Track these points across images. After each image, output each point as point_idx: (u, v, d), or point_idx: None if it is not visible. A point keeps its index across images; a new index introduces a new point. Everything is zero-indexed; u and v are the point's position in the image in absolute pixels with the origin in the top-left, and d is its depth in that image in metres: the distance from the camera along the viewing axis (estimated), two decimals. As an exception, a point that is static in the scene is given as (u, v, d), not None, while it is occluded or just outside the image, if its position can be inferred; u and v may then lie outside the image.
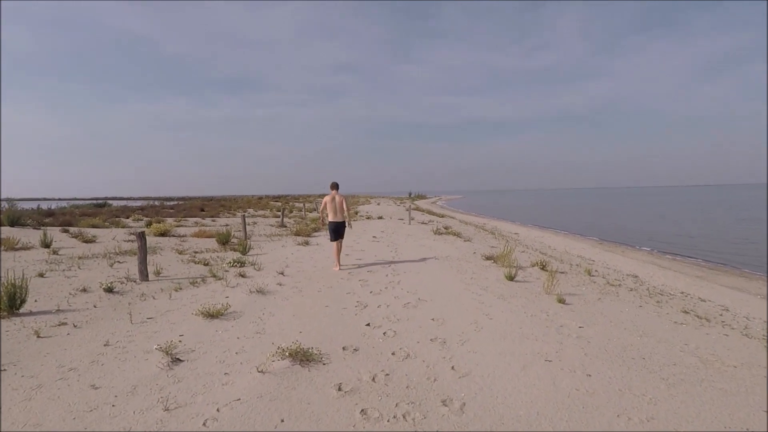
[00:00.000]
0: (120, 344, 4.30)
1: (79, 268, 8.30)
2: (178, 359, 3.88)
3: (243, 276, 7.65)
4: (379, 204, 47.82)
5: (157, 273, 7.79)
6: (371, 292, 6.38)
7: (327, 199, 8.51)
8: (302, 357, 3.76)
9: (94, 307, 5.72)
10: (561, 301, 5.83)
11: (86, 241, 12.16)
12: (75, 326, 4.89)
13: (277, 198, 68.52)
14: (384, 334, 4.50)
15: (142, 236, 7.47)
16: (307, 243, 12.14)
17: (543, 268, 8.30)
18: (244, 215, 13.88)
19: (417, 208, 35.88)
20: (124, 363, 3.85)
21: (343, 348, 4.11)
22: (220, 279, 7.39)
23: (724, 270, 11.90)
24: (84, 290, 6.52)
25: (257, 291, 6.34)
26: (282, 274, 7.77)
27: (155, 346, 4.06)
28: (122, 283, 7.10)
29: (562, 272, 8.40)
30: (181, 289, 6.79)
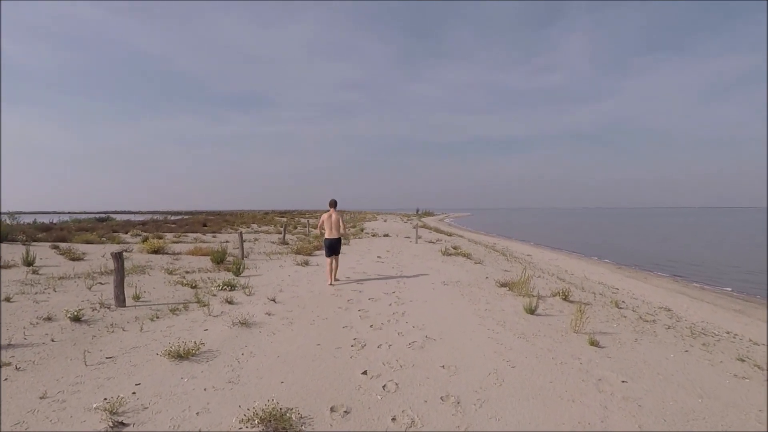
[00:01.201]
0: (60, 397, 3.51)
1: (54, 290, 7.58)
2: (122, 423, 3.07)
3: (230, 302, 6.86)
4: (385, 221, 47.08)
5: (137, 297, 7.03)
6: (371, 326, 5.55)
7: (324, 216, 8.88)
8: (277, 424, 2.94)
9: (52, 341, 4.95)
10: (593, 343, 4.96)
11: (73, 259, 11.47)
12: (17, 368, 4.12)
13: (283, 213, 68.06)
14: (383, 387, 3.66)
15: (118, 257, 6.73)
16: (306, 263, 11.35)
17: (565, 298, 7.43)
18: (240, 232, 13.15)
19: (424, 226, 35.06)
20: (54, 425, 3.05)
21: (332, 409, 3.28)
22: (204, 305, 6.61)
23: (760, 302, 10.87)
24: (48, 319, 5.77)
25: (241, 323, 5.54)
26: (273, 300, 6.97)
27: (95, 405, 3.26)
28: (94, 309, 6.35)
29: (586, 303, 7.52)
30: (158, 318, 6.02)
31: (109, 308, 6.47)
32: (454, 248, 15.49)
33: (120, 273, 6.70)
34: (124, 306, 6.64)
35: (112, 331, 5.36)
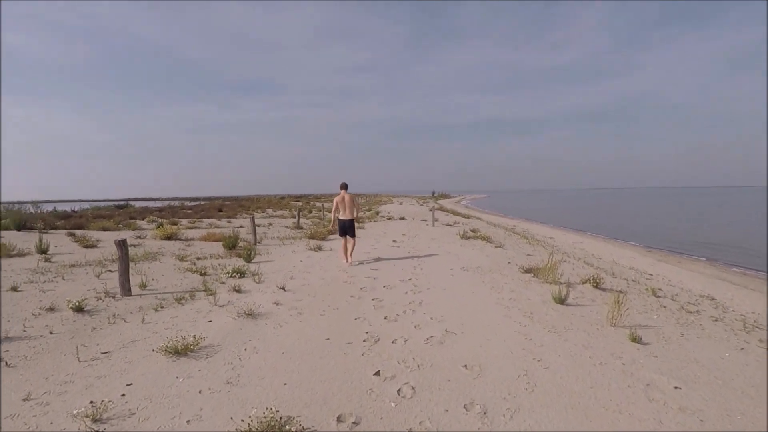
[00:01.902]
0: (44, 399, 3.20)
1: (63, 278, 7.38)
2: (103, 433, 2.74)
3: (238, 291, 6.53)
4: (401, 203, 46.54)
5: (143, 286, 6.76)
6: (386, 318, 5.13)
7: (337, 199, 9.04)
8: (275, 438, 2.55)
9: (51, 333, 4.69)
10: (635, 338, 4.43)
11: (87, 246, 11.35)
12: (8, 365, 3.84)
13: (298, 198, 68.13)
14: (398, 392, 3.23)
15: (122, 245, 6.44)
16: (319, 248, 10.99)
17: (596, 285, 6.86)
18: (253, 218, 12.84)
19: (441, 208, 34.45)
20: (30, 435, 2.73)
21: (338, 418, 2.88)
22: (211, 294, 6.30)
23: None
24: (51, 309, 5.54)
25: (246, 314, 5.19)
26: (283, 288, 6.61)
27: (75, 411, 2.93)
28: (99, 299, 6.10)
29: (620, 291, 6.96)
30: (162, 308, 5.72)
31: (114, 297, 6.21)
32: (473, 231, 14.94)
33: (125, 261, 6.42)
34: (130, 295, 6.38)
35: (113, 323, 5.08)
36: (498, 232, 16.81)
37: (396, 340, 4.37)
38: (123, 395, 3.23)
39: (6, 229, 14.23)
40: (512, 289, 6.63)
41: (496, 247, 11.47)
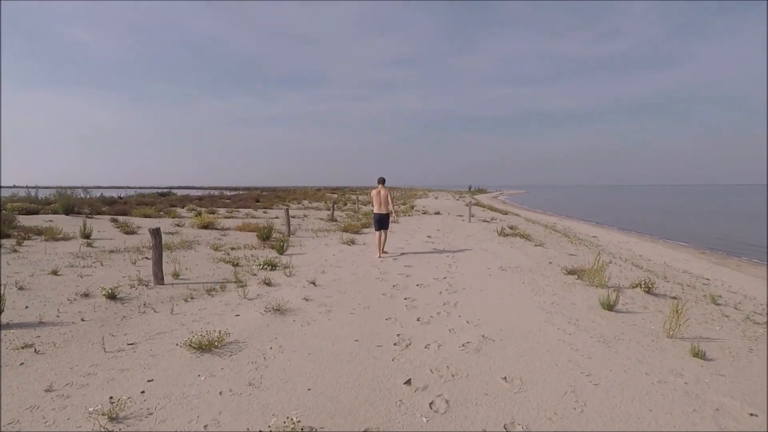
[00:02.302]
0: (66, 391, 3.12)
1: (101, 264, 7.54)
2: (117, 435, 2.60)
3: (268, 284, 6.42)
4: (437, 198, 45.97)
5: (176, 275, 6.77)
6: (418, 320, 4.84)
7: (373, 192, 9.30)
8: (294, 455, 2.33)
9: (82, 320, 4.70)
10: (697, 353, 3.95)
11: (127, 233, 11.68)
12: (36, 351, 3.83)
13: (334, 190, 68.61)
14: (430, 405, 2.95)
15: (156, 233, 6.45)
16: (352, 242, 10.81)
17: (648, 290, 6.31)
18: (287, 209, 12.83)
19: (477, 204, 33.70)
20: (47, 428, 2.64)
21: (364, 434, 2.63)
22: (242, 286, 6.22)
23: None
24: (85, 295, 5.60)
25: (275, 309, 5.03)
26: (313, 283, 6.44)
27: (91, 408, 2.81)
28: (132, 287, 6.14)
29: (674, 297, 6.38)
30: (192, 299, 5.67)
31: (146, 286, 6.24)
32: (511, 228, 14.38)
33: (158, 250, 6.43)
34: (163, 284, 6.39)
35: (143, 312, 5.05)
36: (537, 229, 16.14)
37: (429, 344, 4.08)
38: (143, 392, 3.10)
39: (55, 213, 14.89)
40: (555, 292, 6.18)
41: (536, 245, 10.92)
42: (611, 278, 7.03)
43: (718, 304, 6.20)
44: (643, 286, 6.30)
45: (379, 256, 8.88)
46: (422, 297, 5.79)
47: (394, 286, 6.40)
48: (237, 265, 7.98)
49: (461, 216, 20.01)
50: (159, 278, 6.42)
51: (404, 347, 4.01)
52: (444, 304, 5.45)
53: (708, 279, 8.75)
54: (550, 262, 8.50)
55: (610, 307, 5.27)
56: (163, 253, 8.99)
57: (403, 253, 9.41)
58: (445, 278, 6.93)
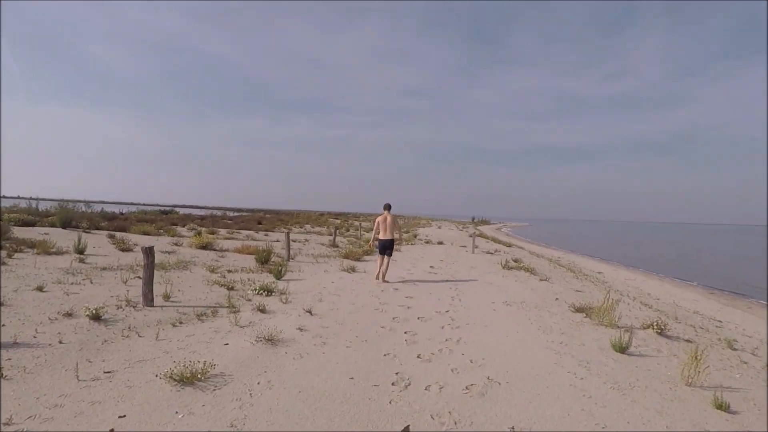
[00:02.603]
0: (25, 427, 2.81)
1: (91, 282, 7.26)
2: (73, 484, 2.29)
3: (262, 311, 6.12)
4: (440, 227, 45.75)
5: (166, 297, 6.48)
6: (419, 357, 4.52)
7: (380, 219, 9.39)
8: None
9: (60, 342, 4.40)
10: (720, 405, 3.62)
11: (123, 250, 11.42)
12: (3, 377, 3.53)
13: (338, 215, 68.51)
14: (431, 460, 2.63)
15: (149, 252, 6.20)
16: (353, 269, 10.51)
17: (660, 332, 5.98)
18: (288, 233, 12.60)
19: (481, 235, 33.40)
20: (-5, 475, 2.33)
21: (355, 493, 2.31)
22: (234, 311, 5.93)
23: None
24: (68, 314, 5.30)
25: (267, 339, 4.72)
26: (309, 312, 6.13)
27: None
28: (119, 307, 5.84)
29: (687, 339, 6.05)
30: (181, 323, 5.38)
31: (134, 307, 5.94)
32: (515, 261, 14.06)
33: (150, 269, 6.16)
34: (152, 305, 6.10)
35: (127, 336, 4.75)
36: (542, 263, 15.81)
37: (430, 386, 3.76)
38: (111, 430, 2.79)
39: (52, 225, 14.70)
40: (562, 330, 5.86)
41: (541, 280, 10.60)
42: (621, 317, 6.70)
43: (735, 349, 5.86)
44: (655, 327, 5.97)
45: (377, 278, 9.07)
46: (423, 331, 5.47)
47: (394, 318, 6.09)
48: (232, 288, 7.70)
49: (464, 247, 19.72)
50: (148, 299, 6.13)
51: (403, 387, 3.69)
52: (446, 340, 5.13)
53: (720, 321, 8.39)
54: (557, 299, 8.17)
55: (622, 349, 4.94)
56: (158, 272, 8.74)
57: (404, 282, 9.11)
58: (447, 312, 6.61)
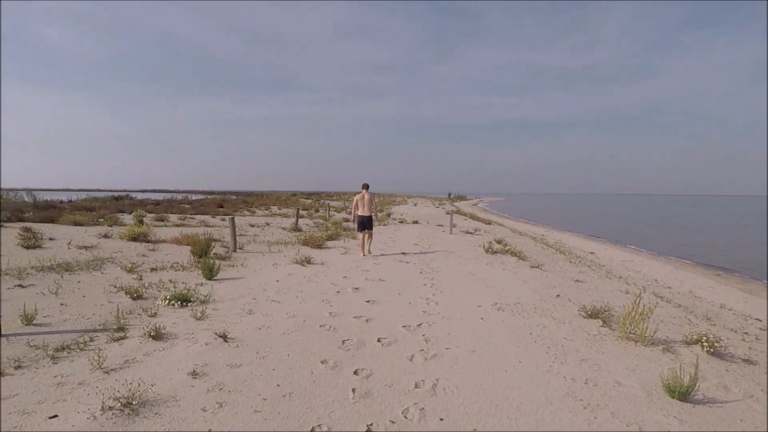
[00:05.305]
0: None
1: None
2: None
3: (155, 337, 4.25)
4: (416, 204, 44.06)
5: (28, 319, 4.55)
6: (368, 430, 2.76)
7: (358, 197, 9.88)
8: None
9: None
10: None
11: (29, 247, 9.26)
12: None
13: (309, 195, 66.01)
14: None
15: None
16: (308, 261, 8.67)
17: (712, 350, 4.35)
18: (233, 218, 10.62)
19: (458, 212, 31.89)
20: None
21: None
22: (115, 339, 4.08)
23: None
24: None
25: (126, 401, 2.88)
26: (224, 337, 4.29)
27: None
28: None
29: (746, 359, 4.48)
30: (19, 368, 3.50)
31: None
32: (499, 242, 12.47)
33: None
34: (-4, 336, 4.18)
35: None
36: (527, 243, 14.28)
37: None
38: None
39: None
40: (582, 354, 4.18)
41: (532, 267, 9.00)
42: (651, 325, 5.06)
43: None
44: (704, 343, 4.34)
45: (364, 255, 9.65)
46: (383, 367, 3.70)
47: (344, 341, 4.29)
48: (140, 297, 5.81)
49: (441, 226, 18.05)
50: (-11, 327, 4.21)
51: None
52: (415, 386, 3.35)
53: (760, 320, 6.88)
54: (558, 295, 6.54)
55: (683, 394, 3.27)
56: (56, 275, 6.82)
57: (368, 279, 7.34)
58: (420, 325, 4.86)
